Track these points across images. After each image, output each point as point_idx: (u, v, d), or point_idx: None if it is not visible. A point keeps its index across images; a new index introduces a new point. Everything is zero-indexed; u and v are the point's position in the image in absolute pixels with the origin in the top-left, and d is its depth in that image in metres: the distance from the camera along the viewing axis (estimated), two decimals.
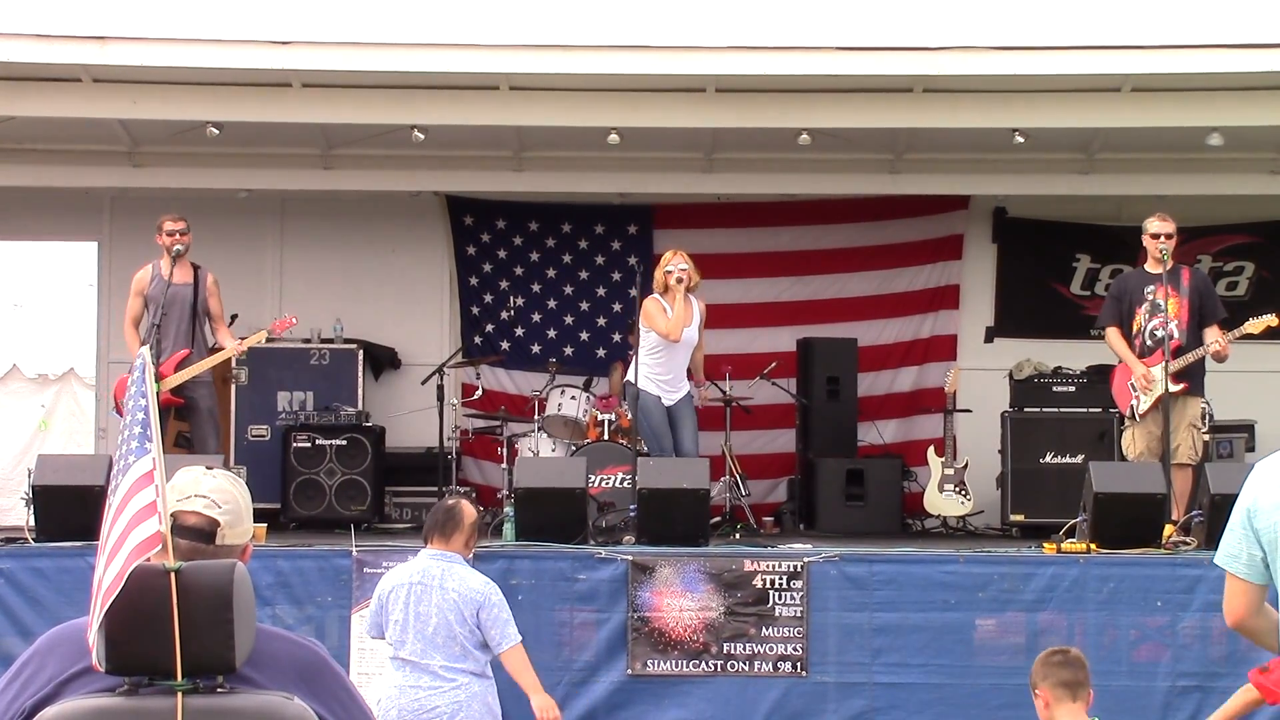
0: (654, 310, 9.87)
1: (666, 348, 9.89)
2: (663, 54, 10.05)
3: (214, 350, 9.99)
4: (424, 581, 6.52)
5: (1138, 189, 11.94)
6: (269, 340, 11.63)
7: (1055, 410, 11.21)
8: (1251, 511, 3.82)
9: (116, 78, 10.36)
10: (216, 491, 3.03)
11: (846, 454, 11.61)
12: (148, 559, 2.74)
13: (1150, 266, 9.57)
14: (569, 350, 12.81)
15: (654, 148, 11.79)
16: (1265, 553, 3.80)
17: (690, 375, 10.20)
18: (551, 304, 12.94)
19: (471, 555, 6.84)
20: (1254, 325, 9.30)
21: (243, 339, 10.08)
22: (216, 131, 10.67)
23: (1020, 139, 10.92)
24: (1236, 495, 3.95)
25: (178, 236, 9.83)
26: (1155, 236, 9.43)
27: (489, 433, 12.06)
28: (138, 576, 2.73)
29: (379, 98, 10.58)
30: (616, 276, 12.74)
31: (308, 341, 12.20)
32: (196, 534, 2.97)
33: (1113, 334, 9.65)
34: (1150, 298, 9.45)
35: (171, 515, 2.92)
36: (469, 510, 6.73)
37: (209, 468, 3.11)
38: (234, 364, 10.99)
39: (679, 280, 9.78)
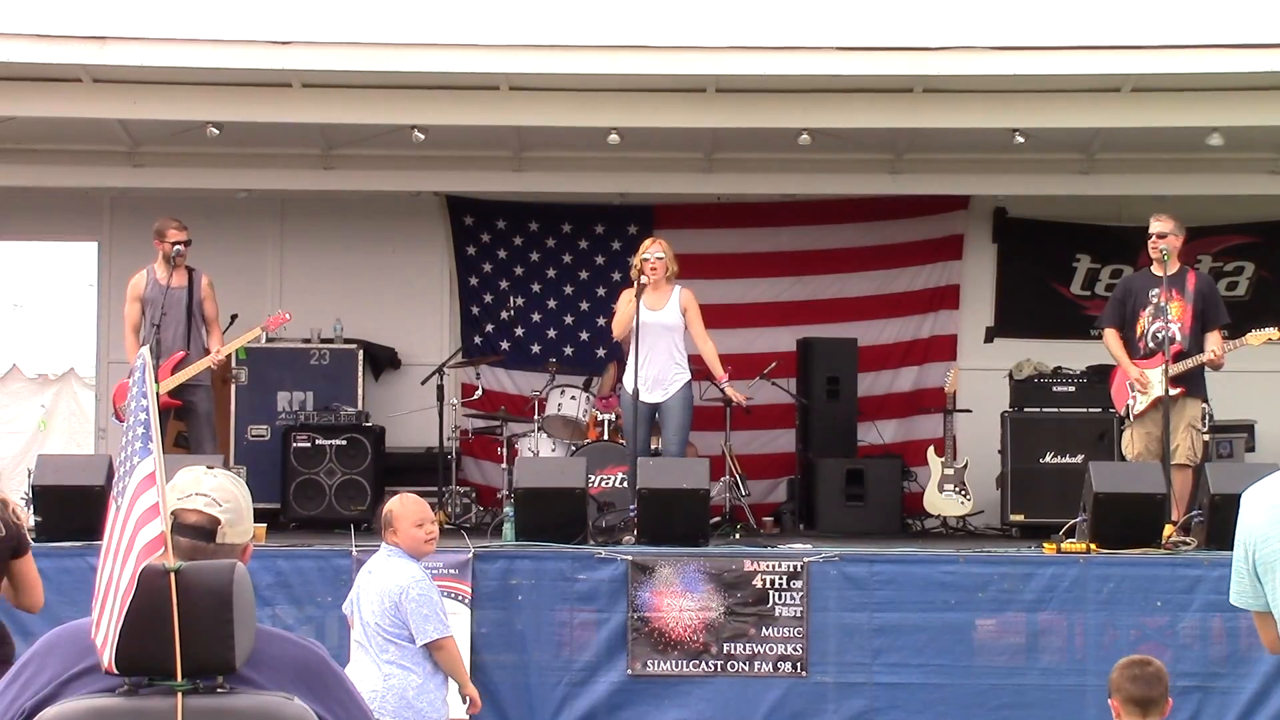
0: (620, 303, 9.81)
1: (638, 338, 9.72)
2: (663, 54, 10.04)
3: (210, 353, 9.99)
4: (371, 570, 6.67)
5: (1138, 189, 11.94)
6: (268, 340, 11.70)
7: (1055, 410, 11.21)
8: (1246, 545, 3.78)
9: (116, 78, 10.35)
10: (217, 490, 3.03)
11: (846, 454, 11.60)
12: (155, 559, 2.74)
13: (1156, 268, 9.54)
14: (569, 350, 12.80)
15: (654, 148, 11.79)
16: (1261, 581, 3.75)
17: (708, 372, 10.13)
18: (551, 304, 12.94)
19: (423, 545, 6.74)
20: (1254, 338, 9.31)
21: (229, 340, 10.09)
22: (216, 131, 10.67)
23: (1020, 139, 10.91)
24: (1237, 495, 3.91)
25: (182, 247, 9.83)
26: (1162, 236, 9.40)
27: (489, 433, 12.06)
28: (139, 576, 2.72)
29: (379, 98, 10.58)
30: (617, 277, 12.71)
31: (308, 341, 12.20)
32: (197, 532, 2.97)
33: (1110, 335, 9.64)
34: (1154, 300, 9.42)
35: (172, 513, 2.92)
36: (390, 504, 6.75)
37: (210, 467, 3.11)
38: (233, 364, 10.98)
39: (650, 270, 9.62)
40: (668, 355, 9.79)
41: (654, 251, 9.77)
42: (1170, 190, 11.57)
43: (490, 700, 8.37)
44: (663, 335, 9.76)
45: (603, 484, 10.30)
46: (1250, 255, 12.74)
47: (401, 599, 6.51)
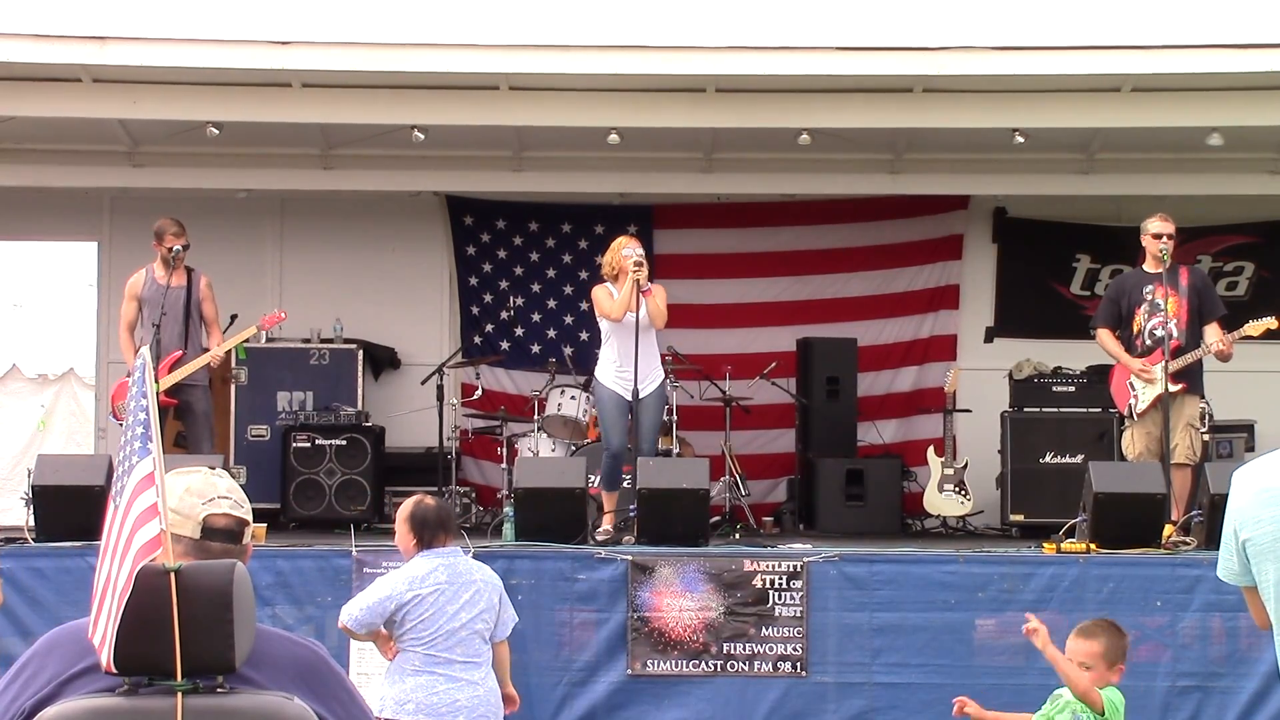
0: (601, 295, 9.51)
1: (617, 335, 9.43)
2: (663, 54, 10.04)
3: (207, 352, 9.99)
4: (451, 580, 6.41)
5: (1138, 189, 11.94)
6: (268, 340, 11.70)
7: (1055, 410, 11.21)
8: (1234, 525, 3.82)
9: (116, 78, 10.36)
10: (234, 491, 3.08)
11: (846, 454, 11.61)
12: (152, 559, 2.74)
13: (1149, 266, 9.55)
14: (569, 350, 12.79)
15: (654, 148, 11.78)
16: (1248, 558, 3.79)
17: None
18: (551, 304, 12.94)
19: None
20: (1254, 328, 9.29)
21: (225, 339, 10.07)
22: (216, 131, 10.67)
23: (1020, 139, 10.92)
24: None
25: (180, 250, 9.83)
26: (1157, 236, 9.42)
27: (489, 433, 12.06)
28: (138, 576, 2.72)
29: (379, 98, 10.58)
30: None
31: (307, 341, 12.20)
32: (228, 535, 3.01)
33: (1104, 334, 9.63)
34: (1149, 298, 9.43)
35: (202, 520, 2.95)
36: (435, 503, 6.72)
37: (211, 468, 3.12)
38: (234, 364, 10.98)
39: (638, 265, 9.31)
40: (646, 352, 9.50)
41: (636, 248, 9.49)
42: (1170, 190, 11.58)
43: None
44: (643, 333, 9.59)
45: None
46: (1250, 255, 12.75)
47: (503, 595, 6.49)
